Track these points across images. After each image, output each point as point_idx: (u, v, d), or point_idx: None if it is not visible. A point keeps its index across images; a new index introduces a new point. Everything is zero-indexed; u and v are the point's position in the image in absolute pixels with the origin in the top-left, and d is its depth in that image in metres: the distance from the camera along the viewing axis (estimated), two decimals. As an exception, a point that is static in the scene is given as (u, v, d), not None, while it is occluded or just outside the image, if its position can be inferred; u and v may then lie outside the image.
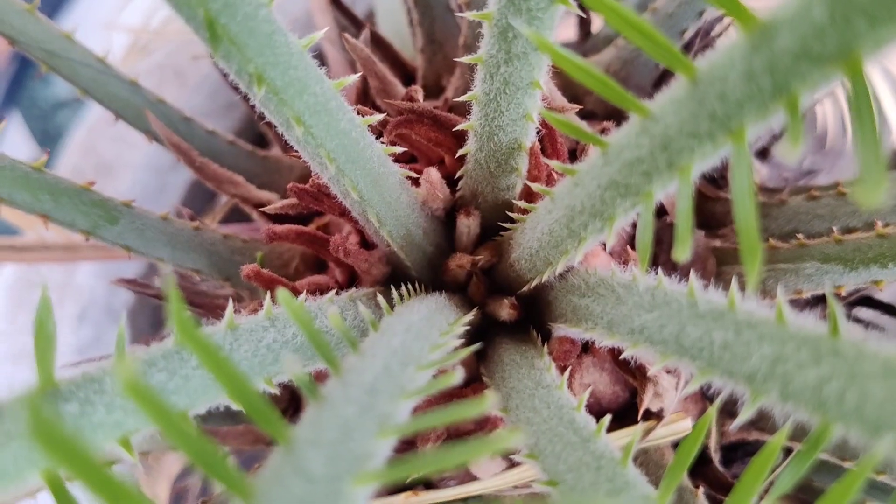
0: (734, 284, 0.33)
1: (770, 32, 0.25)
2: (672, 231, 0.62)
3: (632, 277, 0.40)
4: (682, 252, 0.29)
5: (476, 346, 0.45)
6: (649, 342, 0.37)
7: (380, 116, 0.41)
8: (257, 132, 1.06)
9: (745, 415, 0.30)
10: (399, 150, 0.44)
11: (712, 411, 0.35)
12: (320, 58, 1.06)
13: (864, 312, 0.71)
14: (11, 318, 1.28)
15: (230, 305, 0.39)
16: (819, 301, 0.60)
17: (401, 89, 0.61)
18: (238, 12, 0.29)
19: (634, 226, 0.58)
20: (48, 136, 1.65)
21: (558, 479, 0.36)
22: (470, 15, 0.40)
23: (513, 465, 0.54)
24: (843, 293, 0.55)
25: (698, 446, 0.31)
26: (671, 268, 0.61)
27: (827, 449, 0.57)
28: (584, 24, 0.75)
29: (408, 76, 0.72)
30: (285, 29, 0.33)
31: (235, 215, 0.95)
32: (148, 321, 1.26)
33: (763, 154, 0.76)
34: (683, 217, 0.29)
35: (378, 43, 0.68)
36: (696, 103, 0.28)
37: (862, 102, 0.23)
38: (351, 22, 0.68)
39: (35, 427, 0.17)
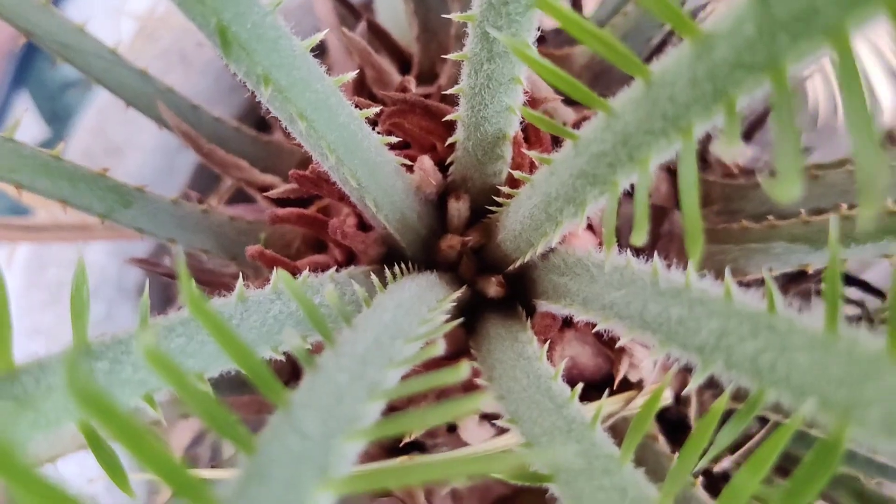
0: (690, 265, 0.36)
1: (710, 44, 0.28)
2: (657, 212, 0.66)
3: (604, 258, 0.43)
4: (640, 237, 0.32)
5: (460, 321, 0.48)
6: (618, 317, 0.40)
7: (376, 109, 0.44)
8: (259, 115, 1.10)
9: (695, 382, 0.33)
10: (394, 139, 0.47)
11: (668, 379, 0.39)
12: (321, 45, 1.09)
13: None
14: (26, 295, 1.32)
15: (240, 279, 0.43)
16: (797, 277, 0.64)
17: (396, 78, 0.64)
18: (247, 20, 0.33)
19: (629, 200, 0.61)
20: (56, 116, 1.68)
21: (534, 441, 0.40)
22: (454, 17, 0.43)
23: (501, 432, 0.58)
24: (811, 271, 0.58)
25: (656, 409, 0.35)
26: (656, 245, 0.65)
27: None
28: (577, 6, 0.78)
29: (405, 62, 0.75)
30: (290, 33, 0.36)
31: (240, 196, 0.98)
32: (157, 297, 1.30)
33: (748, 135, 0.79)
34: (641, 206, 0.33)
35: (375, 31, 0.71)
36: (650, 104, 0.32)
37: (783, 105, 0.26)
38: (349, 11, 0.71)
39: (71, 381, 0.21)
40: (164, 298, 1.30)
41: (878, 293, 0.69)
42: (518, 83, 0.44)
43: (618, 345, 0.52)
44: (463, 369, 0.30)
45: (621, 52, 0.31)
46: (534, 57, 0.33)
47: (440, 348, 0.34)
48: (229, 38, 0.32)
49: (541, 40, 0.76)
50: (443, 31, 0.71)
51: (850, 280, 0.69)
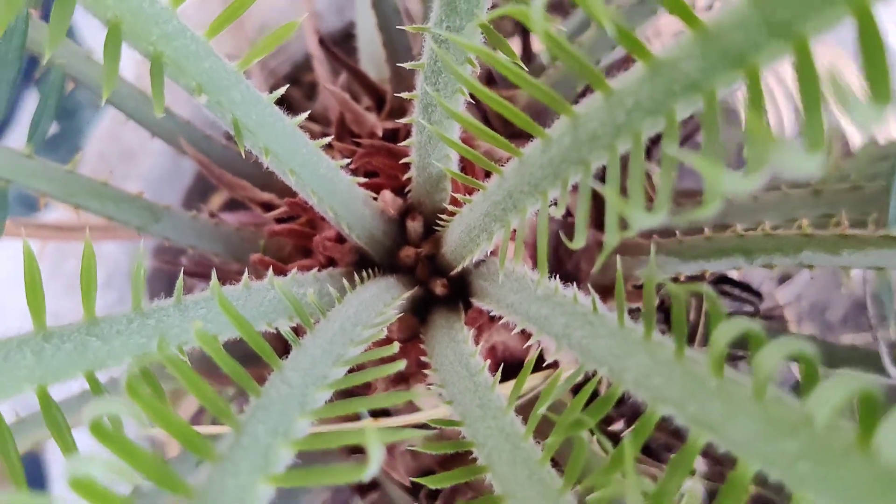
0: (557, 279, 0.53)
1: (658, 68, 0.42)
2: (570, 229, 0.82)
3: (511, 269, 0.60)
4: (543, 262, 0.49)
5: (410, 312, 0.65)
6: (516, 313, 0.57)
7: (346, 161, 0.60)
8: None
9: (551, 358, 0.50)
10: (363, 179, 0.64)
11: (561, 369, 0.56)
12: (313, 85, 1.24)
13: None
14: (50, 282, 1.49)
15: (246, 273, 0.59)
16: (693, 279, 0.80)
17: (370, 118, 0.80)
18: (253, 113, 0.49)
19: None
20: (65, 112, 1.82)
21: (455, 401, 0.57)
22: (406, 95, 0.59)
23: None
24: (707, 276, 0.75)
25: (525, 379, 0.51)
26: (575, 255, 0.81)
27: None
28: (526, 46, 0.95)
29: (381, 97, 0.92)
30: (284, 115, 0.52)
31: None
32: (163, 287, 1.46)
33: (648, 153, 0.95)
34: (542, 234, 0.49)
35: (357, 76, 0.87)
36: (545, 157, 0.48)
37: (710, 125, 0.42)
38: (336, 60, 0.87)
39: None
40: (169, 287, 1.46)
41: (755, 293, 0.85)
42: (452, 146, 0.60)
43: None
44: (400, 364, 0.46)
45: (547, 94, 0.46)
46: (469, 120, 0.49)
47: (383, 334, 0.51)
48: (240, 128, 0.48)
49: (491, 81, 0.92)
50: (410, 76, 0.87)
51: (735, 283, 0.86)
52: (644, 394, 0.40)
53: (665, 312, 0.86)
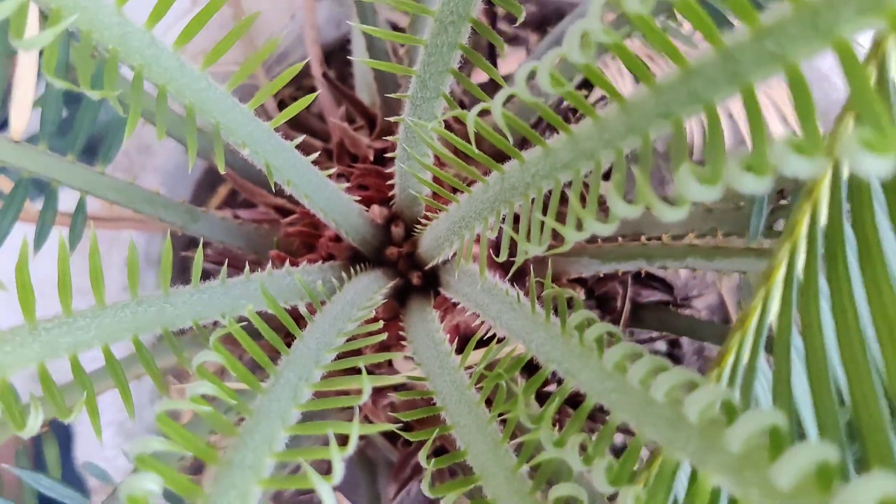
0: (497, 276, 0.73)
1: (624, 109, 0.64)
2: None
3: (465, 268, 0.81)
4: (483, 269, 0.70)
5: (383, 298, 0.86)
6: (468, 301, 0.78)
7: (346, 185, 0.81)
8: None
9: (497, 337, 0.71)
10: (358, 197, 0.84)
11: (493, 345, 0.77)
12: (312, 88, 1.43)
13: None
14: (74, 262, 1.68)
15: (269, 264, 0.80)
16: (606, 278, 1.02)
17: (363, 140, 1.01)
18: (280, 156, 0.69)
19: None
20: (72, 98, 2.00)
21: (423, 364, 0.78)
22: (389, 139, 0.79)
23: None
24: (620, 272, 0.97)
25: (471, 350, 0.73)
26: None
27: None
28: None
29: (372, 119, 1.12)
30: (301, 156, 0.73)
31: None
32: (176, 269, 1.66)
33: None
34: (484, 245, 0.70)
35: (354, 103, 1.08)
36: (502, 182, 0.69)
37: (643, 166, 0.63)
38: (337, 90, 1.07)
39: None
40: (181, 269, 1.66)
41: (668, 286, 1.07)
42: (428, 168, 0.81)
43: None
44: (383, 336, 0.67)
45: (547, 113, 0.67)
46: (434, 144, 0.70)
47: (373, 314, 0.72)
48: (271, 170, 0.68)
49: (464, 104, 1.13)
50: (397, 103, 1.08)
51: (656, 279, 1.08)
52: (541, 357, 0.61)
53: (597, 300, 1.08)
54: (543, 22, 1.44)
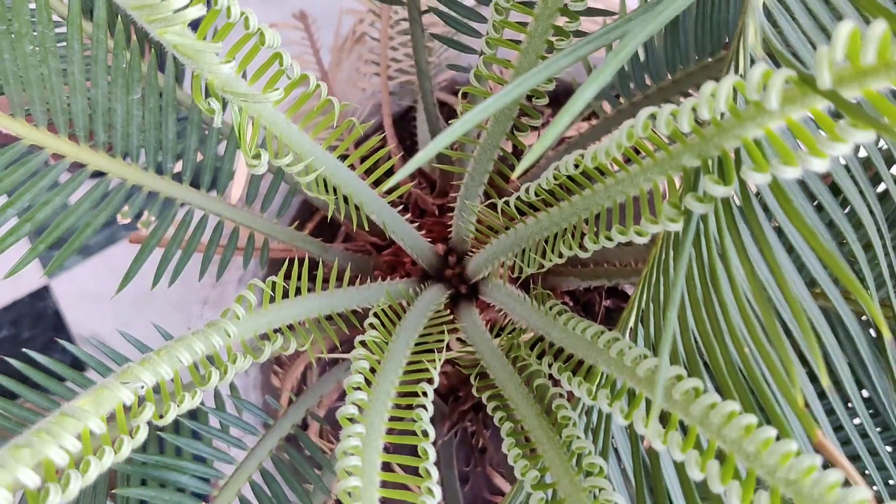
0: (519, 286, 1.20)
1: (578, 200, 1.11)
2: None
3: (497, 283, 1.27)
4: (527, 272, 1.17)
5: (443, 303, 1.33)
6: (498, 303, 1.25)
7: (420, 231, 1.29)
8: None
9: (506, 324, 1.18)
10: (428, 239, 1.32)
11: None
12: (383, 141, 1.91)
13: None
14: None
15: (368, 280, 1.28)
16: (588, 291, 1.48)
17: (430, 199, 1.49)
18: (382, 211, 1.17)
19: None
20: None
21: (471, 342, 1.25)
22: (447, 197, 1.27)
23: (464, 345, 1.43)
24: (592, 287, 1.43)
25: (496, 331, 1.19)
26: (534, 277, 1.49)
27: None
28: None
29: (433, 182, 1.60)
30: (392, 208, 1.20)
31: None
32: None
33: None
34: (505, 270, 1.17)
35: (419, 170, 1.56)
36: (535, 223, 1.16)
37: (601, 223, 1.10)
38: (402, 145, 1.56)
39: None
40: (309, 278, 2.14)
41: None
42: (472, 224, 1.28)
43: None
44: (449, 325, 1.15)
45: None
46: (476, 210, 1.17)
47: (442, 315, 1.20)
48: (351, 203, 1.16)
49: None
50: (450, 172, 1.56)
51: (620, 291, 1.54)
52: (541, 332, 1.07)
53: (582, 306, 1.54)
54: (555, 100, 1.91)
